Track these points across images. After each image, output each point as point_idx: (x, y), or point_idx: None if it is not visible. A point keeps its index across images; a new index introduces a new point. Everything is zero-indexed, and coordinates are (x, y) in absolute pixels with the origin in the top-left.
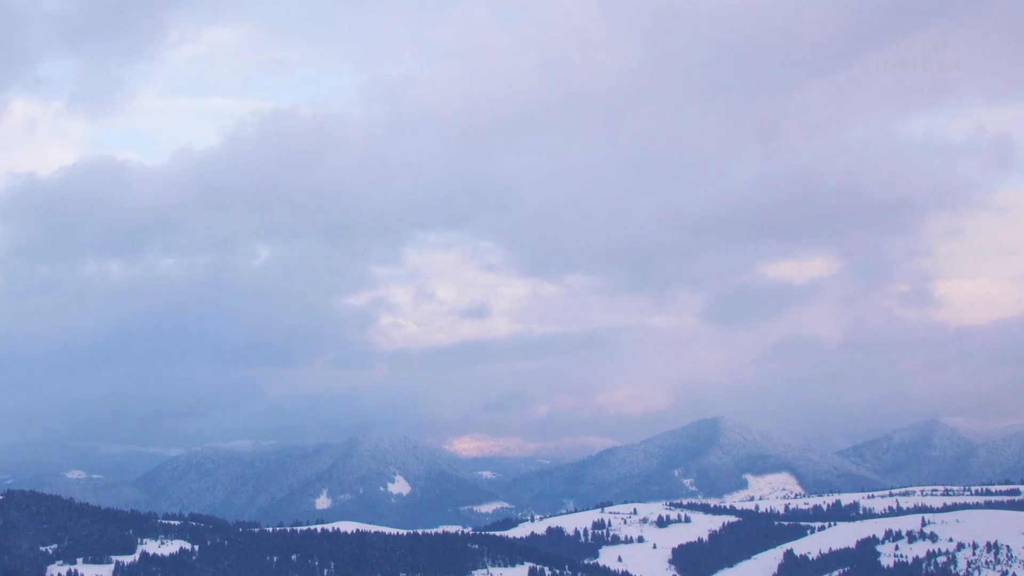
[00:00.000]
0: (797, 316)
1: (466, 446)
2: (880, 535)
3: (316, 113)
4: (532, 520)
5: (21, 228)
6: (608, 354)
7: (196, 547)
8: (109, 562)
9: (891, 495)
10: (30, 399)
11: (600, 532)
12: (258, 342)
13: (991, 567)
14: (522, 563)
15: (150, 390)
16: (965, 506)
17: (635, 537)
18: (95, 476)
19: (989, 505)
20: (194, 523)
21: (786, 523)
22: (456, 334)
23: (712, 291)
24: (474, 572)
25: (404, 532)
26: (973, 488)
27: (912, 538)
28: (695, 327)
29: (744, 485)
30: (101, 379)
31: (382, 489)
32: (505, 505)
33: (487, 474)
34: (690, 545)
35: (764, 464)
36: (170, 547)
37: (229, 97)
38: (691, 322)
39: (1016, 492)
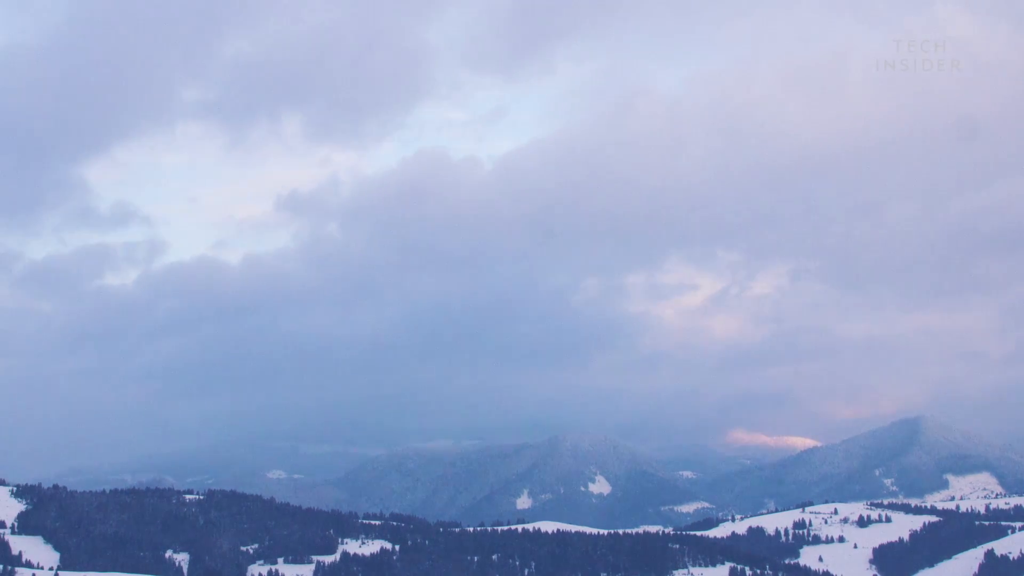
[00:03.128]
0: None
1: (734, 439)
2: None
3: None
4: (733, 520)
5: (357, 231)
6: (892, 358)
7: (397, 547)
8: (310, 562)
9: None
10: (243, 400)
11: (801, 532)
12: (541, 344)
13: None
14: (723, 563)
15: (381, 391)
16: None
17: (836, 537)
18: (296, 476)
19: None
20: (395, 523)
21: (987, 523)
22: (750, 336)
23: (1005, 296)
24: (675, 572)
25: (604, 532)
26: None
27: None
28: (980, 332)
29: (945, 485)
30: (354, 381)
31: (583, 489)
32: (706, 505)
33: (688, 474)
34: (891, 545)
35: (965, 464)
36: (371, 547)
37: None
38: (978, 327)
39: None
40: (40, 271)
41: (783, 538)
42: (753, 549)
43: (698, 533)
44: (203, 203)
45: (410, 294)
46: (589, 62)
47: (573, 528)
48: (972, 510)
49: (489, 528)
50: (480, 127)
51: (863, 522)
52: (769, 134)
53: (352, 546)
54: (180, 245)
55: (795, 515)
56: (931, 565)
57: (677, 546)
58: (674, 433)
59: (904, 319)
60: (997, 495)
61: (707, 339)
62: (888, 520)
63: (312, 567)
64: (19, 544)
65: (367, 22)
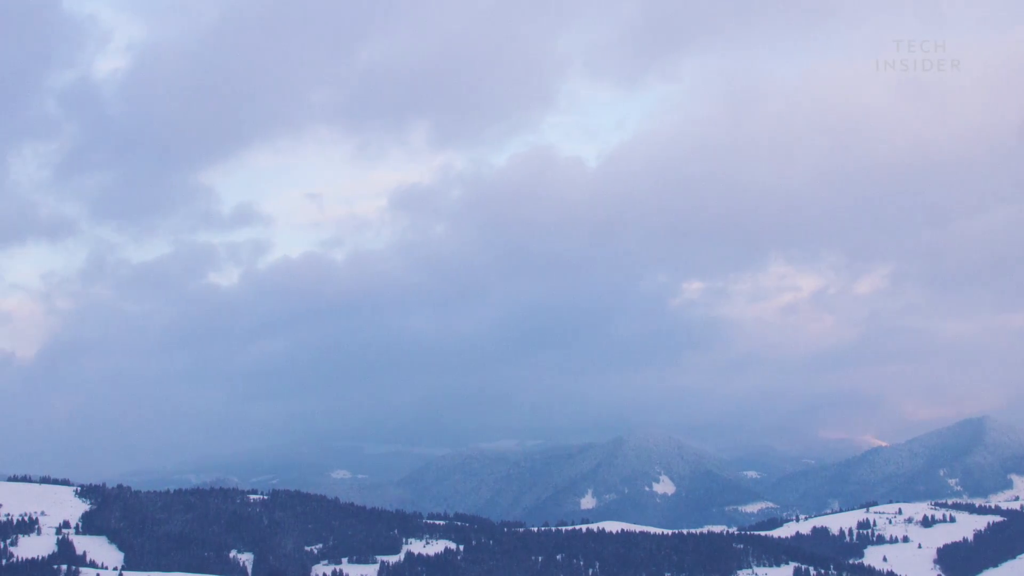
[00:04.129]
0: None
1: (804, 439)
2: None
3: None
4: (797, 520)
5: (464, 232)
6: (983, 359)
7: (461, 547)
8: (374, 562)
9: None
10: (309, 402)
11: (865, 532)
12: (635, 346)
13: None
14: (787, 563)
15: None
16: None
17: (900, 537)
18: (360, 476)
19: None
20: (459, 523)
21: None
22: (845, 337)
23: None
24: (739, 572)
25: (669, 532)
26: None
27: None
28: None
29: (1009, 485)
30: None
31: (647, 489)
32: (770, 505)
33: (752, 474)
34: (955, 545)
35: None
36: (435, 547)
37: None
38: None
39: None
40: (150, 272)
41: (847, 538)
42: (817, 549)
43: (762, 533)
44: (319, 203)
45: (510, 296)
46: (706, 68)
47: (637, 528)
48: None
49: (553, 528)
50: (598, 134)
51: (927, 522)
52: (876, 136)
53: (416, 546)
54: (289, 244)
55: (859, 515)
56: (995, 565)
57: (741, 546)
58: (751, 433)
59: (997, 320)
60: None
61: (802, 340)
62: (952, 520)
63: (376, 567)
64: (83, 544)
65: (497, 32)
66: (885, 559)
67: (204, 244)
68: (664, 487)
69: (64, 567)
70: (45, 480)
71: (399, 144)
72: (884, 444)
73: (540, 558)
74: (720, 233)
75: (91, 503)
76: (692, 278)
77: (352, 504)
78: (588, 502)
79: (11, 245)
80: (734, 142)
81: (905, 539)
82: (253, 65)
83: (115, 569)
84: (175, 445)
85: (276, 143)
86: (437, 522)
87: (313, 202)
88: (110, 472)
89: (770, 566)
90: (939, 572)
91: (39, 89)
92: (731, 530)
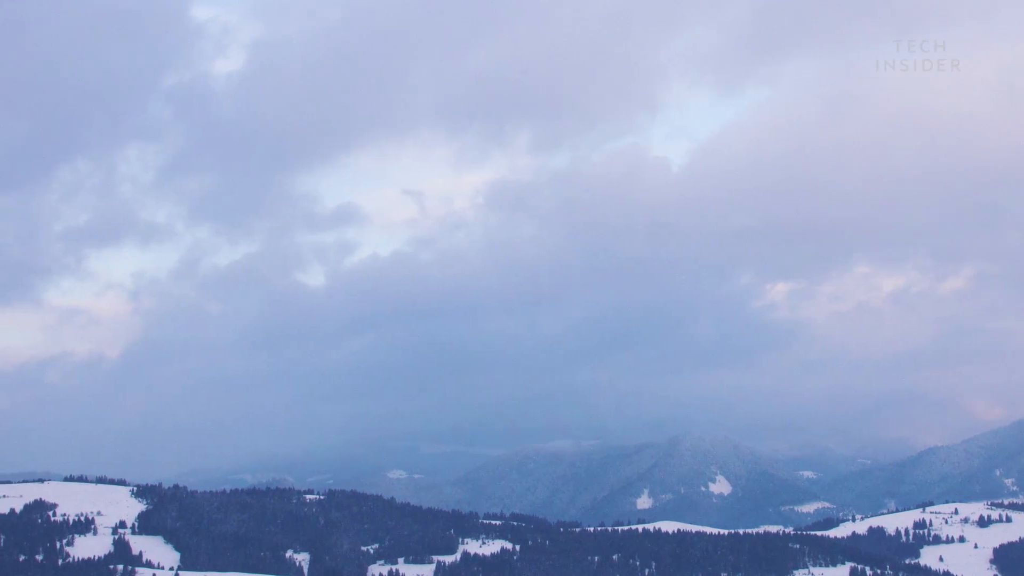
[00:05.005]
0: None
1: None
2: None
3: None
4: (853, 520)
5: (552, 233)
6: None
7: (517, 547)
8: (430, 562)
9: None
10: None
11: (921, 532)
12: (712, 347)
13: None
14: (843, 563)
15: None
16: None
17: (956, 537)
18: (416, 476)
19: None
20: (515, 523)
21: None
22: (923, 337)
23: None
24: (795, 572)
25: (725, 532)
26: None
27: None
28: None
29: None
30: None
31: (703, 489)
32: (826, 505)
33: (808, 474)
34: (1011, 545)
35: None
36: (491, 547)
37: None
38: None
39: None
40: (236, 272)
41: (903, 538)
42: (873, 549)
43: (818, 533)
44: (418, 201)
45: (592, 297)
46: (805, 73)
47: (694, 528)
48: None
49: (609, 528)
50: (694, 137)
51: (983, 522)
52: (965, 138)
53: (472, 546)
54: (379, 243)
55: (915, 515)
56: None
57: (798, 546)
58: (812, 434)
59: None
60: None
61: (882, 341)
62: (1008, 520)
63: (433, 567)
64: (139, 544)
65: (601, 38)
66: (941, 559)
67: (291, 243)
68: (720, 487)
69: (120, 567)
70: (101, 480)
71: (500, 147)
72: (938, 444)
73: (596, 558)
74: (806, 235)
75: (147, 503)
76: (777, 279)
77: (408, 504)
78: (644, 502)
79: (108, 246)
80: (824, 144)
81: (961, 539)
82: (364, 68)
83: (171, 569)
84: (233, 445)
85: (379, 145)
86: (493, 522)
87: (411, 201)
88: (166, 472)
89: (826, 566)
90: (995, 572)
91: (155, 92)
92: (787, 530)
